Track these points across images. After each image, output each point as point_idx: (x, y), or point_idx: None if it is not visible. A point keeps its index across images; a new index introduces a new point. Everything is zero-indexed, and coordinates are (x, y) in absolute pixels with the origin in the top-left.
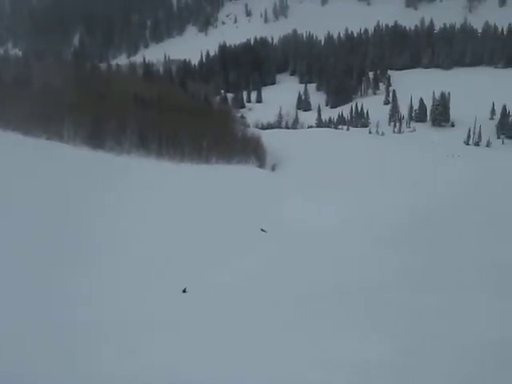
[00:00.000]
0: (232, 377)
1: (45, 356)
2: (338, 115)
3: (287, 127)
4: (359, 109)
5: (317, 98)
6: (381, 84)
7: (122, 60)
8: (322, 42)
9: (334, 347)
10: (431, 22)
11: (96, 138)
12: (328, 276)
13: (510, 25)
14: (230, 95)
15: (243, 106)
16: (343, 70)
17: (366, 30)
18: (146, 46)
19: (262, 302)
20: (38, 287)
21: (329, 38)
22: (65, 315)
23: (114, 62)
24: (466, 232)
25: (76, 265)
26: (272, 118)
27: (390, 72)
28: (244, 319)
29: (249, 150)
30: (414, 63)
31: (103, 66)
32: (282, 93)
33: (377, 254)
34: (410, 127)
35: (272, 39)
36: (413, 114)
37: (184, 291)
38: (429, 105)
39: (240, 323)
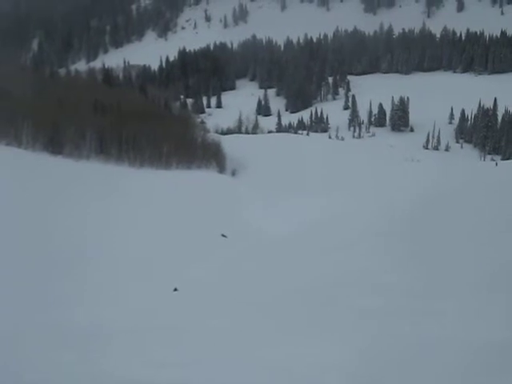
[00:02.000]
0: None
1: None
2: (298, 120)
3: (247, 132)
4: (319, 114)
5: (276, 103)
6: (340, 89)
7: (81, 65)
8: (282, 47)
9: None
10: (390, 27)
11: (55, 143)
12: (285, 281)
13: (468, 30)
14: (189, 100)
15: (203, 112)
16: (303, 75)
17: (326, 35)
18: (106, 52)
19: (207, 308)
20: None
21: (288, 43)
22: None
23: (73, 68)
24: (429, 236)
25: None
26: (232, 124)
27: (349, 77)
28: (188, 326)
29: (209, 155)
30: (373, 68)
31: (62, 71)
32: (242, 98)
33: (336, 258)
34: (369, 132)
35: (231, 44)
36: (372, 119)
37: (175, 290)
38: (388, 109)
39: (187, 331)
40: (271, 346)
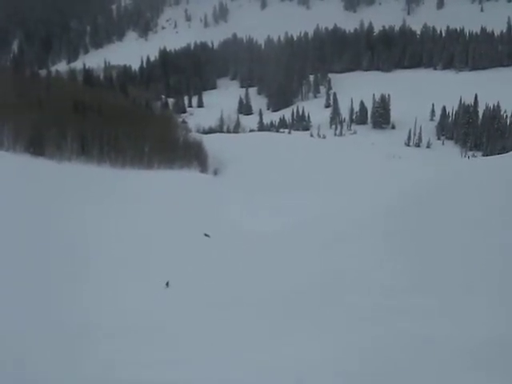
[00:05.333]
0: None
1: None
2: (280, 119)
3: (229, 131)
4: (300, 112)
5: (258, 101)
6: (321, 87)
7: (61, 66)
8: (263, 46)
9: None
10: (370, 25)
11: (37, 145)
12: (272, 281)
13: (448, 27)
14: (171, 100)
15: (184, 111)
16: (284, 73)
17: (306, 34)
18: (86, 52)
19: (195, 309)
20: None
21: (269, 41)
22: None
23: (53, 69)
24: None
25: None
26: (213, 123)
27: (330, 75)
28: (177, 327)
29: (191, 154)
30: (353, 66)
31: (43, 72)
32: (223, 97)
33: (323, 256)
34: (351, 130)
35: (212, 44)
36: (354, 117)
37: (167, 284)
38: (369, 107)
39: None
40: (261, 346)
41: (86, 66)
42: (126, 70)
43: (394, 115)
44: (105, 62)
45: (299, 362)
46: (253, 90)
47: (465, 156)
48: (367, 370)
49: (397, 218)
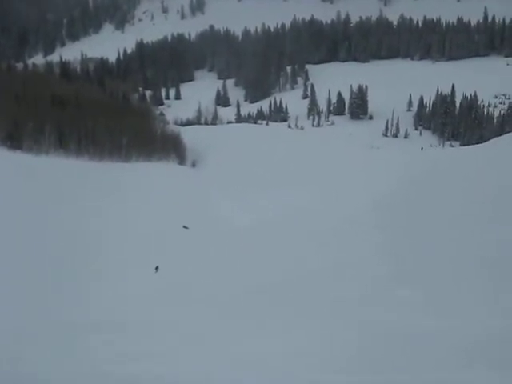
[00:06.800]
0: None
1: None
2: (257, 110)
3: (207, 123)
4: (278, 103)
5: (235, 93)
6: (299, 78)
7: (38, 59)
8: (240, 38)
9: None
10: (347, 16)
11: (14, 138)
12: (252, 272)
13: (424, 17)
14: (148, 92)
15: (162, 103)
16: (261, 65)
17: (283, 25)
18: (63, 45)
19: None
20: None
21: (246, 33)
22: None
23: (30, 62)
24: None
25: None
26: (191, 115)
27: (307, 66)
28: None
29: (169, 146)
30: (331, 57)
31: (19, 65)
32: (201, 89)
33: (309, 249)
34: (328, 120)
35: (189, 35)
36: (331, 108)
37: (156, 268)
38: (347, 98)
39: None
40: (246, 339)
41: (63, 59)
42: (102, 63)
43: (372, 106)
44: (81, 55)
45: (286, 353)
46: (230, 82)
47: (442, 146)
48: (353, 361)
49: (386, 212)
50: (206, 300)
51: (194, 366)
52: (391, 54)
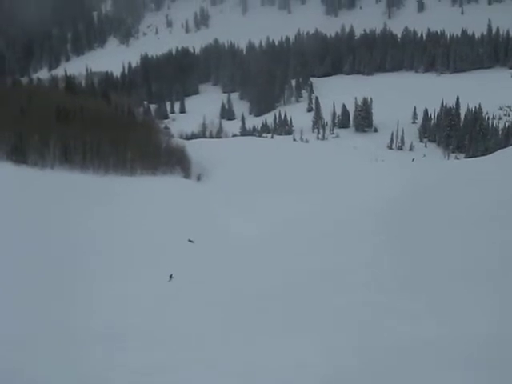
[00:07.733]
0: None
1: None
2: (262, 123)
3: (211, 137)
4: (283, 116)
5: (240, 106)
6: (303, 91)
7: (43, 74)
8: (244, 51)
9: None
10: (351, 29)
11: (19, 152)
12: (253, 281)
13: (429, 30)
14: (153, 106)
15: (167, 117)
16: (266, 78)
17: (288, 38)
18: (68, 59)
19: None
20: None
21: (250, 46)
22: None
23: (35, 76)
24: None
25: None
26: (196, 128)
27: (312, 79)
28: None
29: (174, 160)
30: (335, 70)
31: (24, 80)
32: (206, 103)
33: (309, 259)
34: (333, 133)
35: (194, 49)
36: (336, 121)
37: (170, 277)
38: (351, 111)
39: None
40: (251, 347)
41: (68, 73)
42: (107, 77)
43: (376, 118)
44: (86, 69)
45: (287, 362)
46: (235, 95)
47: (447, 158)
48: (354, 370)
49: (383, 219)
50: (210, 306)
51: (196, 376)
52: (395, 66)
